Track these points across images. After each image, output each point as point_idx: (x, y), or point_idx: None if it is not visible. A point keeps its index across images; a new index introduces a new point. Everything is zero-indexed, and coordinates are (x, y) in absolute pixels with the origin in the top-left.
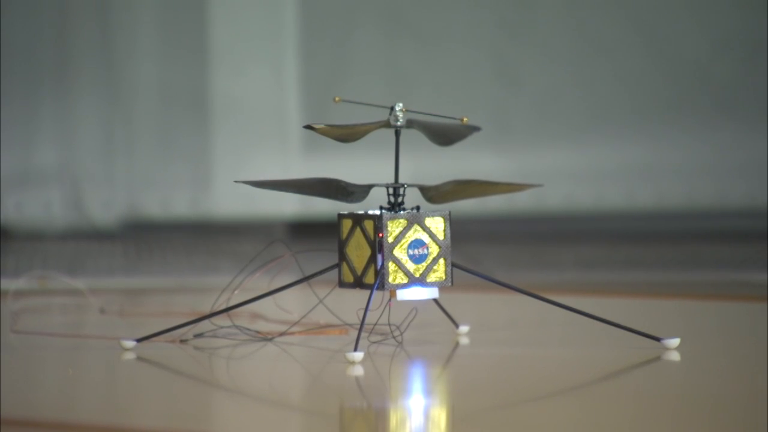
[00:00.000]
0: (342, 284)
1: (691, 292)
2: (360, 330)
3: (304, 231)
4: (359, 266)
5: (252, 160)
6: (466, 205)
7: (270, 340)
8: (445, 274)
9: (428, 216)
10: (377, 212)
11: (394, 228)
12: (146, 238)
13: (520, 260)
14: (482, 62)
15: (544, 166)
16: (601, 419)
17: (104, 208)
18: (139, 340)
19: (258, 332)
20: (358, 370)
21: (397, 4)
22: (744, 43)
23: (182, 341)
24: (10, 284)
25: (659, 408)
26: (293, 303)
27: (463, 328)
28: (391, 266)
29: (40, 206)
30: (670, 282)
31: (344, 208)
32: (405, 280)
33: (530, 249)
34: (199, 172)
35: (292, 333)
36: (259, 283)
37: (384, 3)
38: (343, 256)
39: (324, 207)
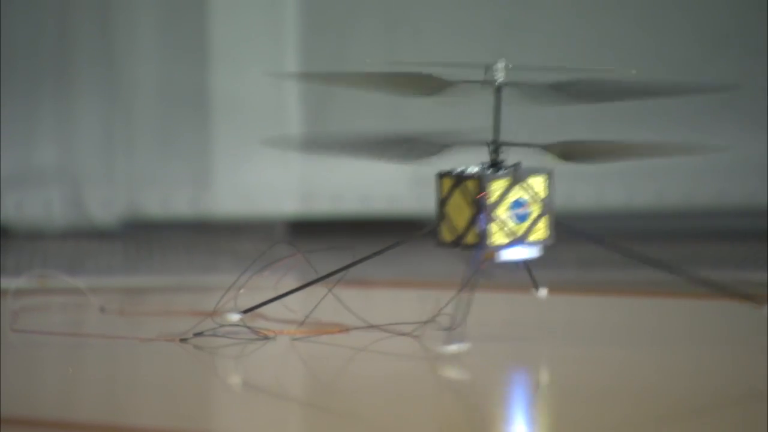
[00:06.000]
0: (441, 243)
1: (690, 291)
2: (457, 298)
3: (304, 230)
4: (460, 226)
5: (252, 159)
6: None
7: (271, 339)
8: (547, 233)
9: (530, 174)
10: (477, 171)
11: (496, 187)
12: (146, 236)
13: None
14: (483, 61)
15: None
16: (602, 418)
17: (104, 207)
18: (244, 312)
19: (259, 331)
20: (452, 373)
21: (398, 3)
22: (744, 43)
23: (182, 340)
24: (11, 283)
25: (659, 407)
26: (293, 301)
27: (543, 291)
28: (494, 226)
29: (40, 205)
30: (670, 281)
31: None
32: (507, 240)
33: None
34: (199, 171)
35: (292, 332)
36: (263, 281)
37: (384, 3)
38: (442, 216)
39: (324, 206)
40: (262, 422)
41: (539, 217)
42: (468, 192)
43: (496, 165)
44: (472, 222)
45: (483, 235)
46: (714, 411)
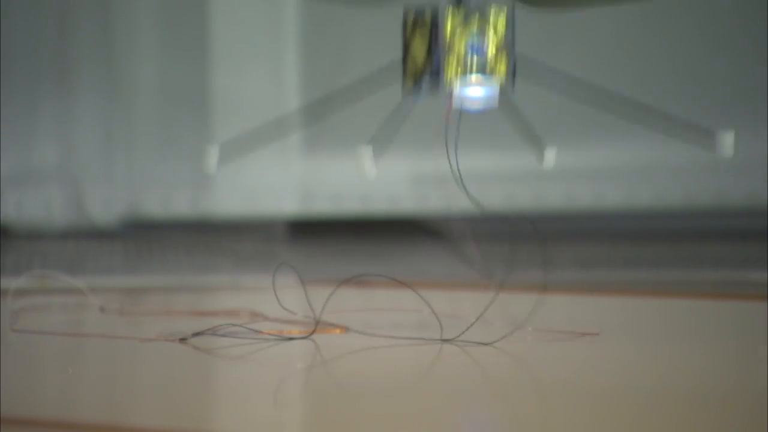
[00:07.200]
0: (404, 86)
1: (691, 291)
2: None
3: (304, 230)
4: (419, 65)
5: (252, 160)
6: (466, 204)
7: (271, 339)
8: (506, 75)
9: (491, 11)
10: (437, 3)
11: (453, 19)
12: (146, 236)
13: (520, 259)
14: None
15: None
16: (602, 421)
17: (104, 206)
18: None
19: (258, 331)
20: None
21: (399, 3)
22: (744, 43)
23: (182, 340)
24: (11, 283)
25: (658, 408)
26: (294, 301)
27: (549, 155)
28: (449, 64)
29: (40, 205)
30: (670, 281)
31: None
32: (464, 74)
33: (530, 248)
34: (200, 171)
35: (294, 332)
36: (262, 282)
37: (386, 2)
38: (406, 56)
39: (325, 206)
40: (262, 423)
41: (498, 53)
42: (426, 24)
43: (457, 1)
44: (430, 56)
45: (439, 68)
46: (712, 412)
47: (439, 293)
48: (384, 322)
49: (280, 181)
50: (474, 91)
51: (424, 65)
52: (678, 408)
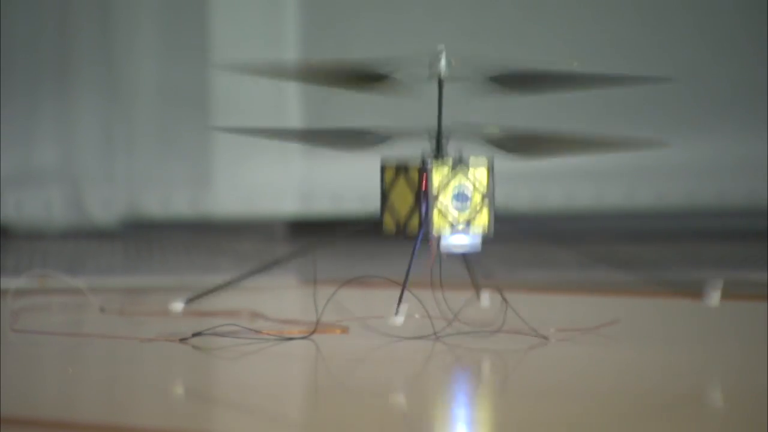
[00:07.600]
0: (384, 233)
1: (691, 291)
2: (404, 287)
3: (304, 230)
4: (402, 215)
5: (252, 160)
6: None
7: (271, 339)
8: (488, 224)
9: (472, 163)
10: (421, 160)
11: (438, 175)
12: (146, 236)
13: (521, 259)
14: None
15: (545, 166)
16: (605, 419)
17: (104, 206)
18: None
19: (258, 331)
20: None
21: (399, 4)
22: (744, 43)
23: (182, 340)
24: (11, 283)
25: (658, 406)
26: (293, 302)
27: (484, 298)
28: (436, 214)
29: (40, 205)
30: (670, 281)
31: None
32: (448, 229)
33: (530, 248)
34: (199, 171)
35: (294, 332)
36: (261, 282)
37: (385, 3)
38: (385, 205)
39: (324, 206)
40: (262, 423)
41: (480, 206)
42: (410, 180)
43: (439, 154)
44: (414, 210)
45: (425, 222)
46: (712, 411)
47: (437, 293)
48: (383, 321)
49: (280, 181)
50: (458, 239)
51: (406, 216)
52: (678, 406)
